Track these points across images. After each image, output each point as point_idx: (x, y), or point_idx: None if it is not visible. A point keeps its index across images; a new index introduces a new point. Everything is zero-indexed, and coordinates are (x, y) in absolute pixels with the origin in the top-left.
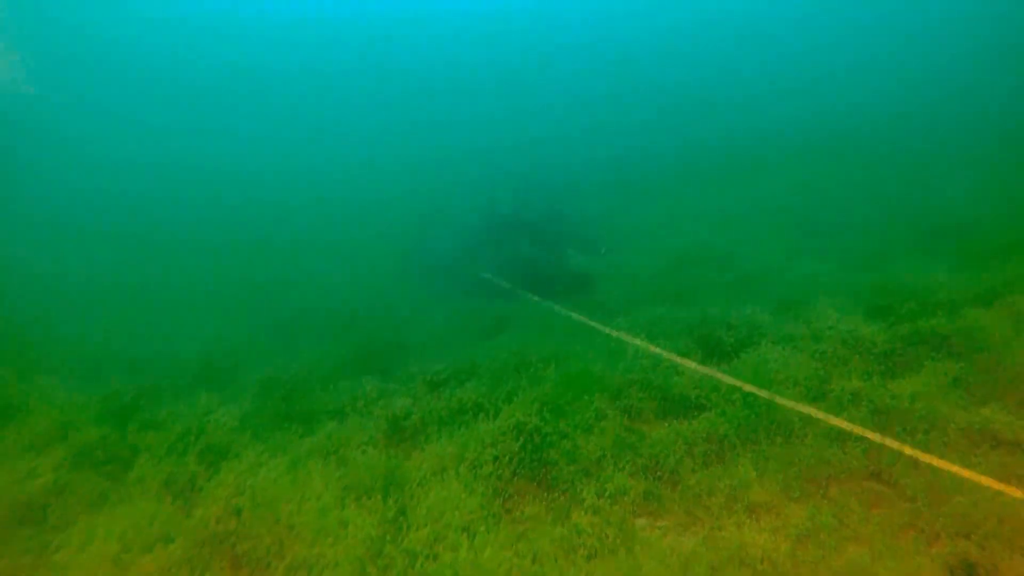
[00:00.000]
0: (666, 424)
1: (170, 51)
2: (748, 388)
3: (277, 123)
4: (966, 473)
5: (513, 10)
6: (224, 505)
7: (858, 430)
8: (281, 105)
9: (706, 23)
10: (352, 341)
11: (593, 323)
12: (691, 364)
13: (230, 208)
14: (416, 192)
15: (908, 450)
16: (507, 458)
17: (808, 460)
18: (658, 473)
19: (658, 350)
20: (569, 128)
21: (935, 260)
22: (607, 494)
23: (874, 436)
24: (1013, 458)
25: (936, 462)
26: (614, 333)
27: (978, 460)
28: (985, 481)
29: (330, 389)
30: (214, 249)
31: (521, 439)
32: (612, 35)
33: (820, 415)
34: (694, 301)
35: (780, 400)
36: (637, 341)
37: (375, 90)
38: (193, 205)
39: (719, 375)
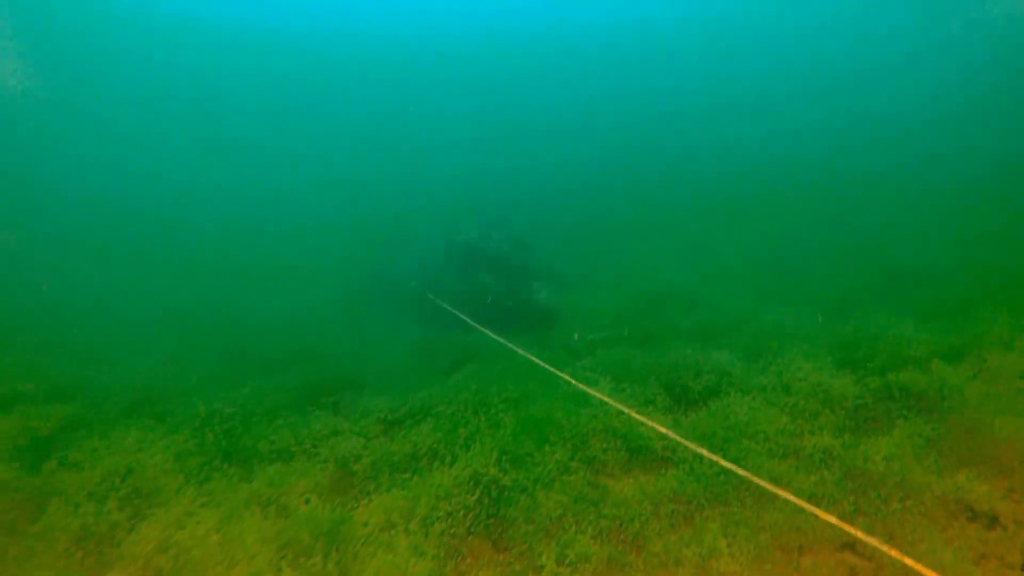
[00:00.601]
0: (631, 479)
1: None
2: (717, 443)
3: (238, 142)
4: (946, 552)
5: (488, 34)
6: (143, 566)
7: (831, 494)
8: (244, 124)
9: (681, 61)
10: (303, 372)
11: (557, 366)
12: (658, 415)
13: (185, 226)
14: (377, 217)
15: (884, 521)
16: (461, 513)
17: (780, 527)
18: (622, 536)
19: (621, 406)
20: (541, 158)
21: (902, 309)
22: (568, 561)
23: (848, 502)
24: (992, 533)
25: (913, 535)
26: (578, 380)
27: (955, 534)
28: (964, 559)
29: (277, 425)
30: (163, 268)
31: (478, 492)
32: (588, 67)
33: (792, 475)
34: (662, 344)
35: (750, 457)
36: (603, 385)
37: (337, 112)
38: (147, 220)
39: (687, 428)
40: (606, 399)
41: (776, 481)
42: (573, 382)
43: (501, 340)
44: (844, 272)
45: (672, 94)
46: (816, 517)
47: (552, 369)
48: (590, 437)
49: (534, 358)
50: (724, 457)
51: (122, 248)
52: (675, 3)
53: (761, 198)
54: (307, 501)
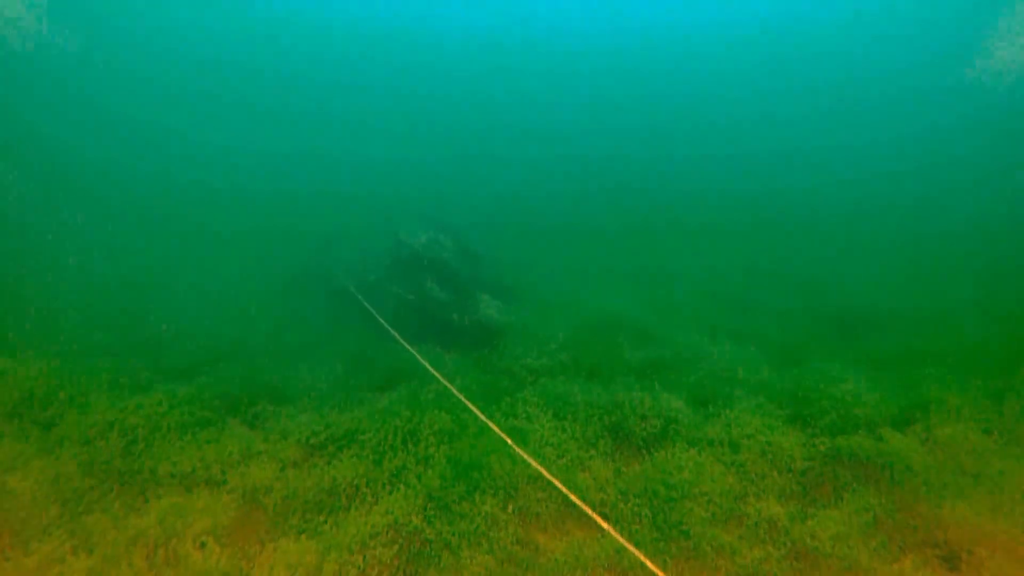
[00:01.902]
0: (565, 537)
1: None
2: (658, 503)
3: (184, 137)
4: None
5: (450, 37)
6: None
7: (775, 574)
8: (190, 119)
9: (658, 75)
10: (223, 378)
11: (496, 395)
12: (598, 463)
13: (110, 201)
14: (321, 216)
15: None
16: (375, 573)
17: None
18: None
19: (563, 441)
20: (497, 169)
21: (853, 359)
22: None
23: None
24: None
25: None
26: (518, 415)
27: None
28: None
29: (185, 442)
30: (77, 242)
31: (396, 546)
32: (554, 73)
33: (736, 546)
34: (608, 379)
35: (693, 522)
36: (543, 421)
37: (283, 114)
38: (74, 191)
39: (629, 480)
40: (552, 429)
41: (718, 550)
42: (515, 415)
43: (428, 365)
44: (797, 312)
45: (644, 107)
46: None
47: (472, 407)
48: (524, 484)
49: (458, 393)
50: (665, 521)
51: (44, 217)
52: (658, 15)
53: (719, 227)
54: (202, 545)
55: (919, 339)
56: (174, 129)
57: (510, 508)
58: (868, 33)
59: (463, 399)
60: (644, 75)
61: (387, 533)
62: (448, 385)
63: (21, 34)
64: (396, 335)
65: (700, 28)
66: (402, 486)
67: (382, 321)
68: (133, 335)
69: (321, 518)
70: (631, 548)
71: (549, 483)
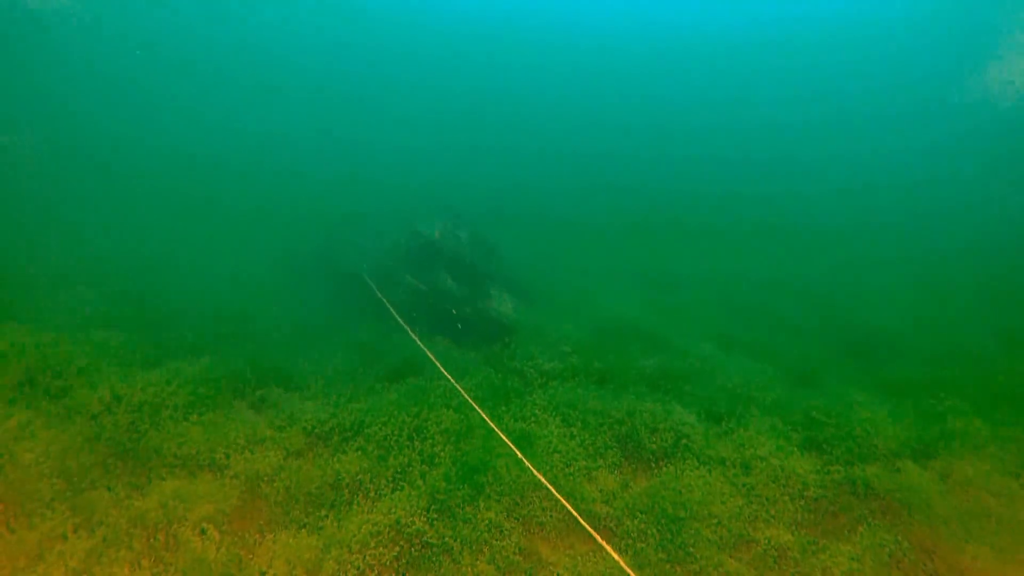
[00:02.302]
0: (567, 550)
1: None
2: (666, 522)
3: (204, 116)
4: None
5: (470, 33)
6: None
7: None
8: (210, 98)
9: (674, 78)
10: (231, 357)
11: (506, 396)
12: (605, 474)
13: (122, 177)
14: (340, 200)
15: None
16: (375, 574)
17: None
18: None
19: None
20: (516, 161)
21: (871, 384)
22: None
23: None
24: None
25: None
26: (527, 419)
27: None
28: None
29: (191, 422)
30: (90, 216)
31: (397, 548)
32: (578, 70)
33: (744, 573)
34: (619, 386)
35: (700, 544)
36: (551, 428)
37: (304, 97)
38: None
39: (637, 495)
40: (561, 436)
41: None
42: (525, 417)
43: (439, 364)
44: (810, 326)
45: (663, 107)
46: None
47: (482, 413)
48: (531, 493)
49: (468, 397)
50: (672, 542)
51: (59, 190)
52: (679, 12)
53: (732, 231)
54: (203, 531)
55: (937, 365)
56: (194, 108)
57: (515, 515)
58: (892, 43)
59: (472, 403)
60: (667, 76)
61: (388, 533)
62: (459, 388)
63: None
64: (408, 329)
65: (728, 32)
66: (406, 485)
67: (394, 313)
68: (144, 308)
69: (323, 512)
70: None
71: (556, 489)
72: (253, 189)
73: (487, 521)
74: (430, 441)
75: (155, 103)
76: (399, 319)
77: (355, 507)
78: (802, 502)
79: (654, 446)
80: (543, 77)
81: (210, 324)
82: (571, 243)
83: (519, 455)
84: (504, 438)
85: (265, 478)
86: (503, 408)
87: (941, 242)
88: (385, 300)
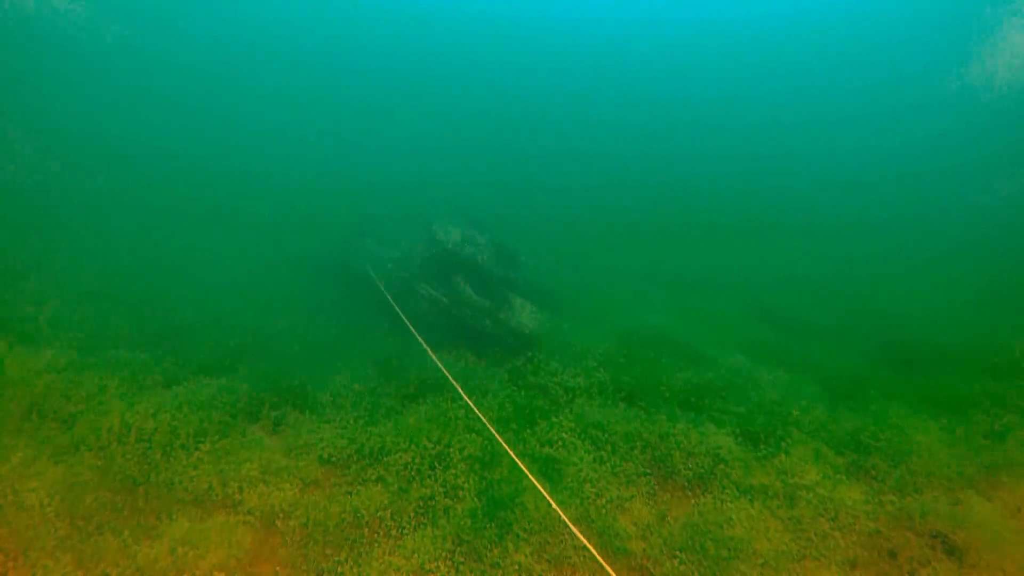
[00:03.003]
0: None
1: None
2: (708, 563)
3: (214, 121)
4: None
5: (483, 34)
6: None
7: None
8: (221, 102)
9: (692, 74)
10: (245, 376)
11: (531, 416)
12: (640, 505)
13: (141, 191)
14: (354, 205)
15: None
16: None
17: None
18: None
19: (603, 480)
20: (538, 165)
21: (919, 399)
22: None
23: None
24: None
25: None
26: (553, 444)
27: None
28: None
29: (202, 453)
30: (98, 232)
31: None
32: (595, 67)
33: None
34: (649, 404)
35: None
36: (581, 453)
37: (316, 100)
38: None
39: (674, 529)
40: (590, 463)
41: None
42: (552, 443)
43: (459, 388)
44: (848, 334)
45: (683, 104)
46: None
47: (504, 444)
48: (561, 528)
49: (491, 426)
50: None
51: (67, 200)
52: (701, 8)
53: (760, 230)
54: None
55: (988, 376)
56: (202, 112)
57: (546, 557)
58: (912, 33)
59: (494, 432)
60: (685, 72)
61: None
62: (480, 415)
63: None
64: (424, 344)
65: (744, 27)
66: (429, 523)
67: (411, 327)
68: (155, 324)
69: (342, 556)
70: None
71: (589, 526)
72: (265, 197)
73: (516, 565)
74: (453, 471)
75: (162, 108)
76: (416, 334)
77: (376, 548)
78: (854, 537)
79: (689, 472)
80: (559, 76)
81: (222, 339)
82: (592, 246)
83: (544, 493)
84: (529, 475)
85: (281, 514)
86: (528, 431)
87: (988, 241)
88: (401, 312)
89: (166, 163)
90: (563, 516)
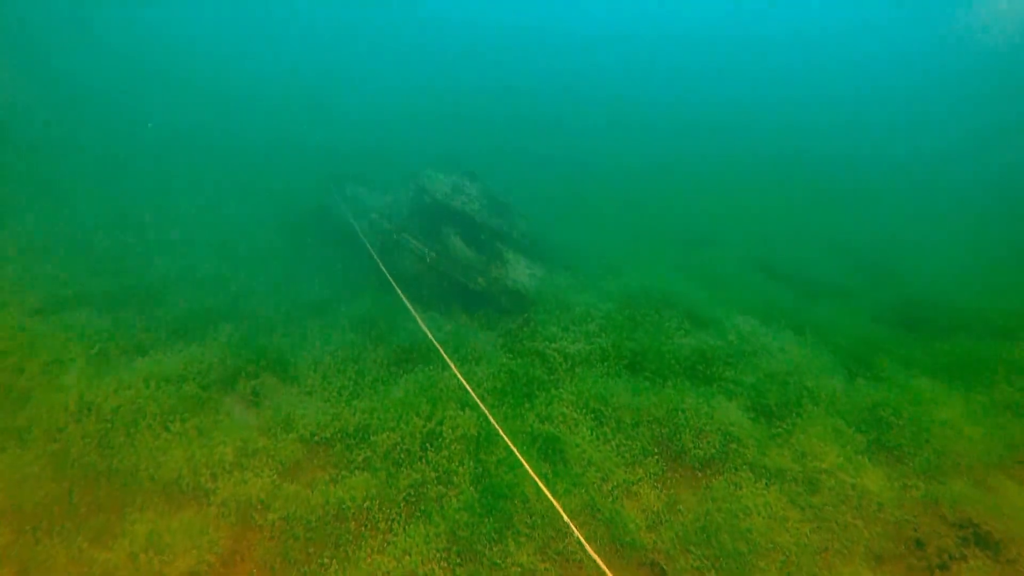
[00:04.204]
0: None
1: None
2: (725, 559)
3: (195, 74)
4: None
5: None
6: None
7: None
8: (208, 59)
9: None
10: (221, 341)
11: (528, 386)
12: (648, 488)
13: (110, 138)
14: (339, 150)
15: None
16: None
17: None
18: None
19: (611, 460)
20: (534, 111)
21: (938, 367)
22: None
23: None
24: None
25: None
26: (554, 419)
27: None
28: None
29: (171, 434)
30: (62, 183)
31: None
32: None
33: None
34: (655, 373)
35: None
36: (583, 430)
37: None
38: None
39: (687, 519)
40: (595, 443)
41: None
42: (553, 418)
43: (448, 359)
44: (860, 295)
45: (694, 48)
46: None
47: (498, 428)
48: (564, 521)
49: (483, 405)
50: None
51: (17, 149)
52: None
53: (767, 185)
54: None
55: (1011, 342)
56: (178, 70)
57: (550, 552)
58: None
59: (490, 417)
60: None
61: None
62: (471, 391)
63: None
64: (412, 309)
65: None
66: (421, 515)
67: (397, 289)
68: (119, 283)
69: (326, 555)
70: None
71: (597, 517)
72: (243, 151)
73: (519, 566)
74: (445, 452)
75: (134, 65)
76: (401, 293)
77: (363, 546)
78: (879, 527)
79: (700, 451)
80: (556, 22)
81: (194, 300)
82: (591, 198)
83: (545, 490)
84: (528, 467)
85: (258, 506)
86: (526, 406)
87: (1015, 198)
88: (385, 269)
89: (137, 119)
90: (564, 516)
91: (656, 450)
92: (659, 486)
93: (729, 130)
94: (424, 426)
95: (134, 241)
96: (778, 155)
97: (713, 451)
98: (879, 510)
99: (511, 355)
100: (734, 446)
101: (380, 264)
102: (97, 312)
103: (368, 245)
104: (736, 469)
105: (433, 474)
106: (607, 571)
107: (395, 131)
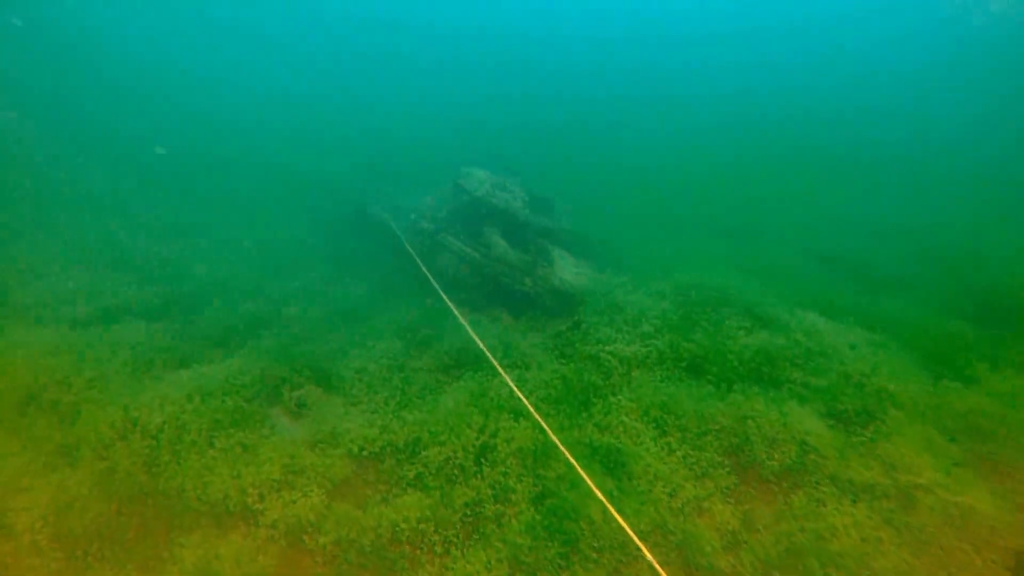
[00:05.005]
0: None
1: None
2: None
3: (240, 75)
4: None
5: None
6: None
7: None
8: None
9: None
10: (264, 352)
11: (583, 393)
12: (718, 503)
13: (149, 144)
14: (379, 149)
15: None
16: None
17: None
18: None
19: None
20: (570, 106)
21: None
22: None
23: None
24: None
25: None
26: (614, 429)
27: None
28: None
29: (216, 451)
30: (99, 194)
31: None
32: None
33: None
34: (718, 377)
35: None
36: (645, 441)
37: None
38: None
39: (768, 539)
40: (662, 456)
41: None
42: (614, 430)
43: (497, 365)
44: (932, 285)
45: (735, 36)
46: None
47: (555, 438)
48: (635, 547)
49: (528, 404)
50: None
51: (53, 156)
52: None
53: (822, 168)
54: None
55: None
56: (230, 67)
57: None
58: None
59: (547, 428)
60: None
61: None
62: (526, 402)
63: None
64: (457, 312)
65: None
66: (479, 537)
67: (440, 291)
68: (161, 292)
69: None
70: None
71: (668, 539)
72: (281, 150)
73: None
74: (501, 467)
75: (171, 64)
76: (444, 296)
77: (420, 572)
78: (993, 554)
79: (774, 462)
80: (592, 20)
81: (234, 307)
82: (632, 190)
83: (608, 506)
84: (589, 481)
85: (308, 528)
86: (583, 415)
87: None
88: (427, 271)
89: (173, 123)
90: (635, 539)
91: (726, 461)
92: (732, 501)
93: (765, 118)
94: (477, 439)
95: (174, 250)
96: (814, 140)
97: (789, 462)
98: (991, 534)
99: (563, 360)
100: (812, 457)
101: (421, 266)
102: (140, 322)
103: (408, 246)
104: (817, 483)
105: (489, 492)
106: None
107: (432, 131)
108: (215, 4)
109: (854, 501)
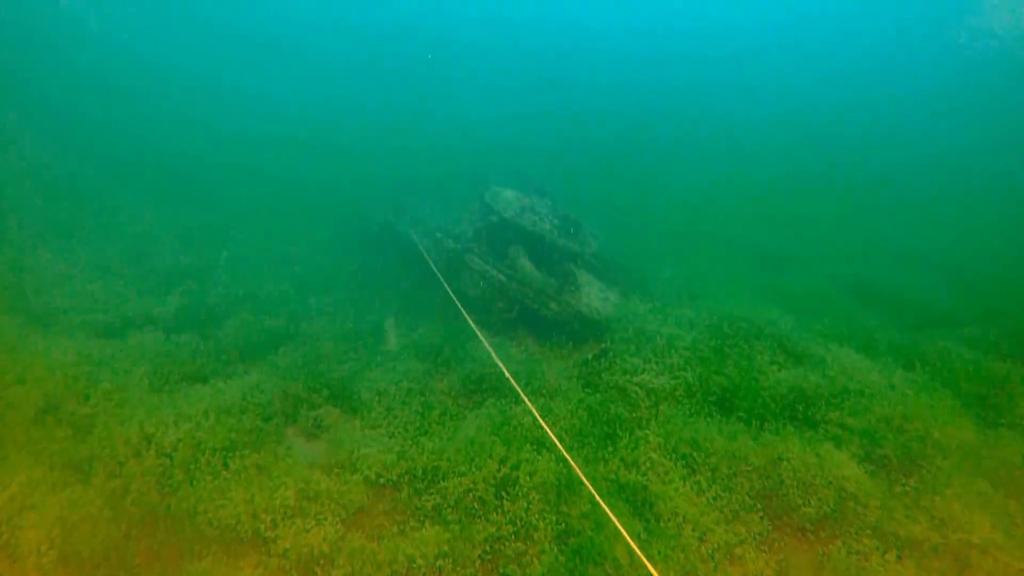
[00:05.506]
0: None
1: None
2: None
3: (264, 89)
4: None
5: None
6: None
7: None
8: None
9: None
10: (282, 370)
11: (610, 425)
12: (751, 550)
13: (169, 156)
14: (394, 178)
15: None
16: None
17: None
18: None
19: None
20: (598, 122)
21: None
22: None
23: None
24: None
25: None
26: (640, 465)
27: None
28: None
29: (231, 471)
30: (122, 206)
31: None
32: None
33: None
34: (749, 413)
35: None
36: (674, 480)
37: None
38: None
39: None
40: (691, 499)
41: None
42: (640, 468)
43: (523, 394)
44: (977, 322)
45: (759, 61)
46: None
47: (580, 473)
48: None
49: (561, 446)
50: None
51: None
52: None
53: (856, 194)
54: None
55: None
56: (257, 80)
57: None
58: None
59: (572, 463)
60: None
61: None
62: (548, 430)
63: None
64: (481, 336)
65: None
66: None
67: (464, 313)
68: (185, 303)
69: None
70: None
71: None
72: (302, 164)
73: None
74: (523, 502)
75: (191, 79)
76: (468, 318)
77: None
78: None
79: (810, 509)
80: (623, 27)
81: (258, 320)
82: (663, 214)
83: (637, 551)
84: (616, 522)
85: (321, 560)
86: (609, 449)
87: None
88: (452, 293)
89: (195, 135)
90: None
91: (758, 505)
92: (766, 549)
93: (787, 142)
94: (498, 470)
95: (196, 261)
96: (838, 161)
97: (827, 509)
98: None
99: (589, 389)
100: (851, 504)
101: (446, 286)
102: (160, 334)
103: (432, 265)
104: (857, 533)
105: (511, 528)
106: None
107: (461, 147)
108: (248, 20)
109: (899, 557)
